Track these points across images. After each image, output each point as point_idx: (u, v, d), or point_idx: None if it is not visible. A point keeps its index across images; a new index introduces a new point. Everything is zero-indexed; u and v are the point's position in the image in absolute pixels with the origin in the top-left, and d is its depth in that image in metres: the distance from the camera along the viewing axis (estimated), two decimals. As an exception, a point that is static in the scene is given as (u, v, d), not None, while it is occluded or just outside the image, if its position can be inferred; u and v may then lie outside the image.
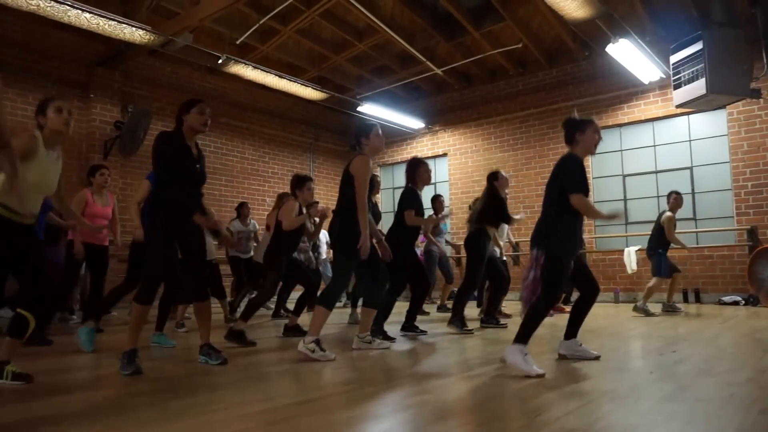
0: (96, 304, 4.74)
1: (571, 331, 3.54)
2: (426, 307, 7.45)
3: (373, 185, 4.10)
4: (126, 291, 4.56)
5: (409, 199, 4.86)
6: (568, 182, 3.34)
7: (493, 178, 5.60)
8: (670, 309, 6.79)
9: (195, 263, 3.42)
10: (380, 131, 4.01)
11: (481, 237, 5.40)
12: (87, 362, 3.74)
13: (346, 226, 3.77)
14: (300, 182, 5.10)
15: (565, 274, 3.29)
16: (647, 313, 6.46)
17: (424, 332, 4.95)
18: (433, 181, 11.15)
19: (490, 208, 5.47)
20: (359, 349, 4.02)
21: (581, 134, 3.45)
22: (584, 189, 3.34)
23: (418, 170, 4.93)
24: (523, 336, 3.11)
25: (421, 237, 6.48)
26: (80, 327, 4.16)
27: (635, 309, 6.57)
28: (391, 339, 4.56)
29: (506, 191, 6.22)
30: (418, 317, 5.22)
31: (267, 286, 4.96)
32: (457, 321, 5.06)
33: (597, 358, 3.43)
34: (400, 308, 5.51)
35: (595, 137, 3.46)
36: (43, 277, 3.00)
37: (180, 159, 3.28)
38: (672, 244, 6.78)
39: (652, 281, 6.77)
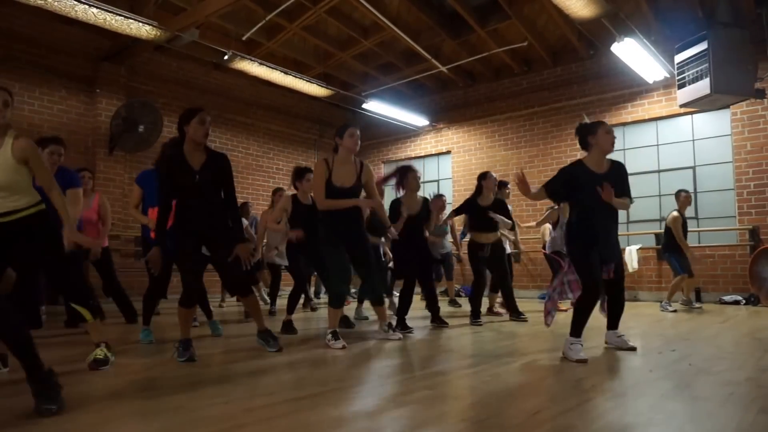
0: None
1: (611, 322, 3.80)
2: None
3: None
4: (155, 289, 4.44)
5: (391, 209, 5.14)
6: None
7: (481, 177, 5.79)
8: (686, 304, 7.09)
9: (224, 266, 3.53)
10: (356, 132, 4.16)
11: (470, 241, 5.80)
12: (85, 356, 3.78)
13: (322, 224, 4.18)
14: (300, 174, 5.23)
15: (588, 270, 3.47)
16: (690, 306, 6.98)
17: (410, 330, 4.79)
18: (436, 178, 11.33)
19: (466, 214, 5.96)
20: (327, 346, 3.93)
21: (593, 137, 3.61)
22: (558, 198, 3.71)
23: (406, 177, 5.17)
24: (573, 330, 3.44)
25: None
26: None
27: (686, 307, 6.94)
28: (408, 329, 4.78)
29: (508, 190, 6.44)
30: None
31: (297, 273, 5.26)
32: (474, 317, 5.54)
33: (633, 348, 3.66)
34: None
35: (607, 137, 3.60)
36: (27, 280, 3.07)
37: (173, 176, 3.37)
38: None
39: (675, 279, 6.91)
